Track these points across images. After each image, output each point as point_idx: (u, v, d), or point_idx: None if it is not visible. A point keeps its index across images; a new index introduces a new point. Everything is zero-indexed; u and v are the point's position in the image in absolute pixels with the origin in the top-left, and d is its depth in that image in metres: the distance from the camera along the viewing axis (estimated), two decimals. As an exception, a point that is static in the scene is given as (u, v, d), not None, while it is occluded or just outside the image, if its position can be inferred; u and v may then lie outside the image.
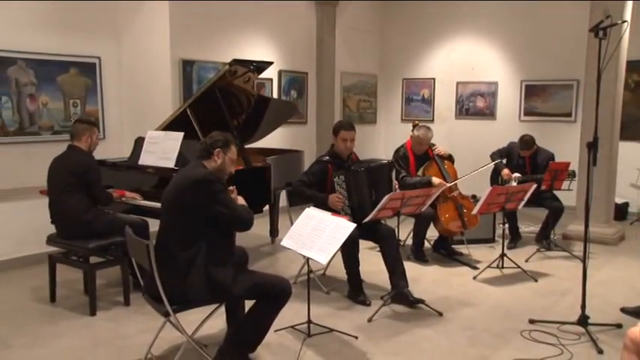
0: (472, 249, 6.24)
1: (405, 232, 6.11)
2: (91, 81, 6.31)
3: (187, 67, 6.73)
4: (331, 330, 4.05)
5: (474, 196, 6.20)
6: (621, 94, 6.77)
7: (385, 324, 4.29)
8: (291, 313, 3.96)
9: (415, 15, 9.72)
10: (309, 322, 4.00)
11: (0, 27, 5.51)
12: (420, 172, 5.84)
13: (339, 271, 4.85)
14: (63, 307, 4.59)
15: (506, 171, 6.41)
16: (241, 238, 3.58)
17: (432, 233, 6.04)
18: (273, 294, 3.36)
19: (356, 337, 3.99)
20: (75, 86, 6.16)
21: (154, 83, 6.62)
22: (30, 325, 4.23)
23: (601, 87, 4.05)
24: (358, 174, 4.75)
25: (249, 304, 3.47)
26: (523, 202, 5.46)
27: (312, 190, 4.84)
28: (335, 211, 4.30)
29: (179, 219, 3.28)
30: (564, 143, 7.69)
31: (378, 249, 4.89)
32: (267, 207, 5.94)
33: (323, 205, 4.52)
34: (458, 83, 9.42)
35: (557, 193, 6.37)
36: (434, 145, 5.99)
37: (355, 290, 4.75)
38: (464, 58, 9.33)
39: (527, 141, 6.39)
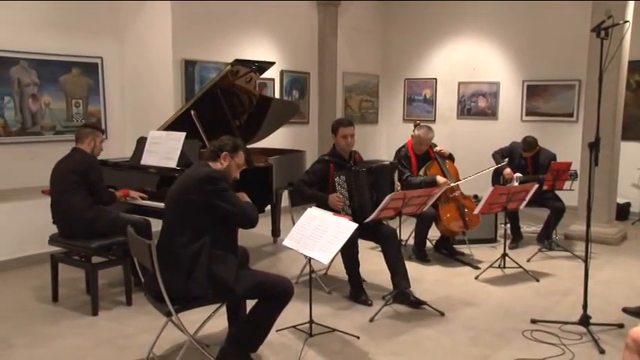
0: (474, 249, 6.24)
1: (406, 232, 6.11)
2: (93, 81, 6.32)
3: (189, 67, 6.74)
4: (333, 330, 4.05)
5: (475, 196, 6.20)
6: (623, 94, 6.77)
7: (387, 324, 4.29)
8: (293, 313, 3.96)
9: (417, 15, 9.72)
10: (311, 321, 4.00)
11: (2, 27, 5.53)
12: (421, 172, 5.84)
13: (341, 271, 4.85)
14: (65, 307, 4.60)
15: (508, 170, 6.41)
16: (243, 238, 3.59)
17: (434, 233, 6.05)
18: (275, 293, 3.37)
19: (358, 337, 3.99)
20: (77, 86, 6.17)
21: (156, 83, 6.63)
22: (32, 325, 4.24)
23: (603, 87, 4.05)
24: (359, 174, 4.74)
25: (250, 304, 3.48)
26: (525, 202, 5.46)
27: (313, 190, 4.83)
28: (336, 211, 4.30)
29: (183, 217, 3.29)
30: (566, 143, 7.69)
31: (380, 249, 4.89)
32: (269, 207, 5.96)
33: (324, 205, 4.53)
34: (460, 83, 9.42)
35: (558, 193, 6.36)
36: (435, 145, 6.00)
37: (356, 290, 4.75)
38: (465, 59, 9.33)
39: (530, 142, 6.39)
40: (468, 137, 9.14)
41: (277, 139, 7.01)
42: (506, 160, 6.57)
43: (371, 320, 4.32)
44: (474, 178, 5.89)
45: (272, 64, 5.78)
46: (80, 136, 4.61)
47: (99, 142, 4.67)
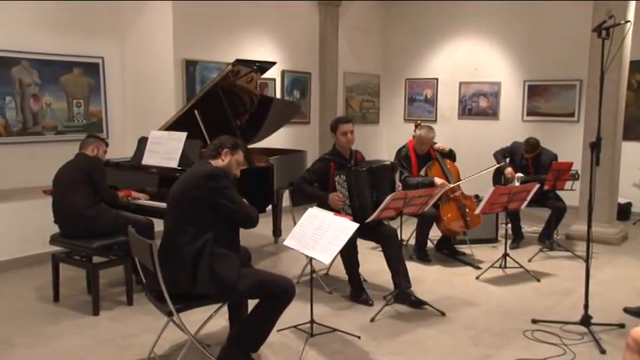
0: (475, 249, 6.24)
1: (407, 232, 6.11)
2: (94, 81, 6.33)
3: (190, 67, 6.75)
4: (334, 330, 4.05)
5: (476, 196, 6.20)
6: (624, 94, 6.76)
7: (388, 324, 4.29)
8: (294, 312, 3.96)
9: (418, 15, 9.71)
10: (312, 321, 4.00)
11: (4, 27, 5.54)
12: (422, 172, 5.84)
13: (342, 271, 4.85)
14: (66, 307, 4.60)
15: (509, 170, 6.41)
16: (244, 238, 3.59)
17: (435, 233, 6.04)
18: (277, 293, 3.37)
19: (358, 337, 3.99)
20: (78, 86, 6.18)
21: (157, 83, 6.64)
22: (33, 325, 4.24)
23: (604, 87, 4.04)
24: (359, 174, 4.73)
25: (251, 303, 3.48)
26: (526, 202, 5.46)
27: (313, 188, 4.83)
28: (336, 211, 4.29)
29: (185, 214, 3.30)
30: (567, 143, 7.69)
31: (380, 249, 4.89)
32: (270, 207, 5.96)
33: (324, 205, 4.53)
34: (460, 83, 9.41)
35: (560, 193, 6.37)
36: (435, 143, 5.99)
37: (356, 290, 4.75)
38: (466, 59, 9.33)
39: (532, 144, 6.39)
40: (469, 137, 9.14)
41: (278, 139, 7.01)
42: (507, 159, 6.58)
43: (372, 320, 4.32)
44: (475, 178, 5.89)
45: (273, 64, 5.78)
46: (84, 144, 4.74)
47: (102, 151, 4.77)
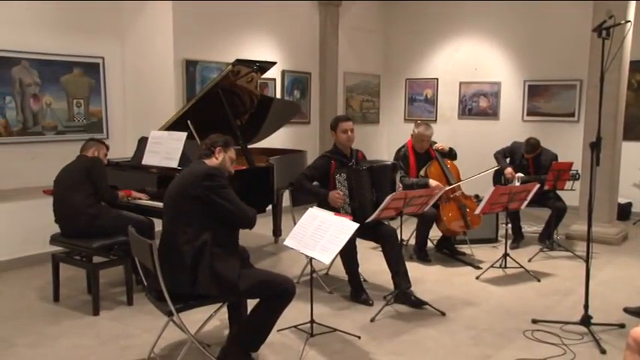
0: (475, 249, 6.24)
1: (407, 232, 6.11)
2: (94, 81, 6.33)
3: (190, 67, 6.75)
4: (334, 330, 4.05)
5: (476, 196, 6.20)
6: (624, 94, 6.76)
7: (388, 324, 4.29)
8: (294, 312, 3.96)
9: (418, 15, 9.71)
10: (312, 321, 4.00)
11: (4, 27, 5.54)
12: (422, 173, 5.83)
13: (342, 271, 4.85)
14: (66, 307, 4.61)
15: (509, 170, 6.41)
16: (244, 238, 3.59)
17: (435, 233, 6.04)
18: (277, 293, 3.37)
19: (359, 337, 3.99)
20: (78, 86, 6.18)
21: (158, 83, 6.64)
22: (33, 325, 4.25)
23: (604, 87, 4.04)
24: (360, 172, 4.72)
25: (251, 303, 3.48)
26: (526, 202, 5.46)
27: (313, 185, 4.83)
28: (336, 211, 4.29)
29: (183, 214, 3.30)
30: (567, 143, 7.69)
31: (380, 249, 4.89)
32: (270, 207, 5.96)
33: (324, 203, 4.53)
34: (461, 83, 9.42)
35: (560, 193, 6.36)
36: (434, 142, 5.99)
37: (356, 290, 4.75)
38: (467, 59, 9.33)
39: (533, 144, 6.38)
40: (469, 137, 9.14)
41: (278, 139, 7.01)
42: (507, 159, 6.59)
43: (372, 320, 4.32)
44: (475, 178, 5.89)
45: (273, 64, 5.78)
46: (85, 147, 4.77)
47: (102, 153, 4.80)
